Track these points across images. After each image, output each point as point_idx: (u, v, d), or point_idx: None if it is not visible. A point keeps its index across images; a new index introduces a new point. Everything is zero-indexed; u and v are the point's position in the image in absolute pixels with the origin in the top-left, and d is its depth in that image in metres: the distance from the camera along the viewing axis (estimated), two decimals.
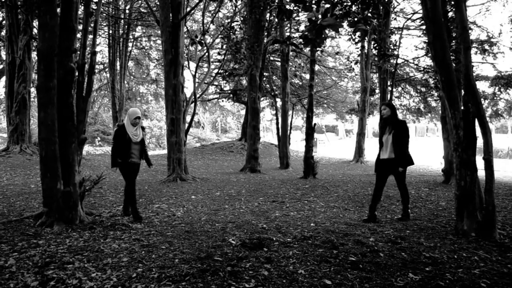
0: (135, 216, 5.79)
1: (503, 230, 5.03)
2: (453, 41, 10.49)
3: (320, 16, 3.73)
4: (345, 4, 6.76)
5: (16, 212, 6.25)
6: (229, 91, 29.47)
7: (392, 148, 5.60)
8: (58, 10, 5.47)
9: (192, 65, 20.52)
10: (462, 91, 4.93)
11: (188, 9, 12.70)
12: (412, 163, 5.62)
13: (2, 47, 20.97)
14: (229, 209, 6.85)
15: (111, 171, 5.84)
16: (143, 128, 5.97)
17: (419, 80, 23.09)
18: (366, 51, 20.11)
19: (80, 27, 6.37)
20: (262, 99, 26.96)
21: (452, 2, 9.35)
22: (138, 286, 3.14)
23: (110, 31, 26.23)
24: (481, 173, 4.60)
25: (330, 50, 27.17)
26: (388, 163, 5.68)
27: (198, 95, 14.10)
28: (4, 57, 19.28)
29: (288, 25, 17.23)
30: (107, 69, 28.73)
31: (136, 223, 5.54)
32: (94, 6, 10.34)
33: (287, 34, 17.40)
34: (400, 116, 27.81)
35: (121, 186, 9.62)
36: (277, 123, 18.96)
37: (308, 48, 15.91)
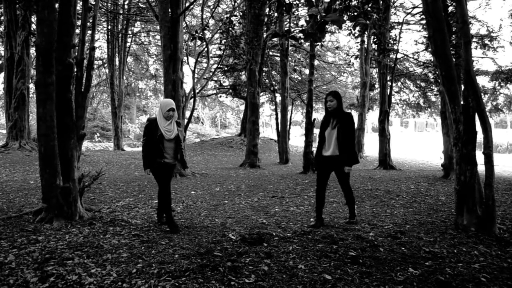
0: (170, 225, 4.88)
1: (502, 224, 5.03)
2: (453, 35, 10.47)
3: (321, 11, 3.70)
4: None
5: (15, 208, 6.24)
6: (229, 86, 29.43)
7: (336, 143, 4.96)
8: (57, 5, 5.44)
9: (191, 60, 20.49)
10: (462, 85, 4.91)
11: (187, 4, 12.63)
12: (357, 161, 4.99)
13: (0, 43, 20.89)
14: (228, 204, 6.85)
15: (146, 174, 4.95)
16: (178, 124, 5.13)
17: (419, 74, 23.07)
18: (365, 45, 20.06)
19: (79, 22, 6.33)
20: (261, 94, 26.92)
21: None
22: (138, 282, 3.14)
23: (109, 27, 26.15)
24: (480, 167, 4.59)
25: (329, 45, 27.12)
26: (332, 161, 5.03)
27: (197, 91, 14.07)
28: (2, 53, 19.23)
29: (288, 19, 17.18)
30: (106, 65, 28.66)
31: (173, 233, 4.71)
32: (92, 1, 10.29)
33: (287, 28, 17.34)
34: (400, 112, 27.81)
35: (121, 182, 9.61)
36: (276, 118, 18.95)
37: (307, 43, 15.86)
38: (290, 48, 19.78)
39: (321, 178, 5.15)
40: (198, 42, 15.56)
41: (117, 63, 26.67)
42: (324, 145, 5.10)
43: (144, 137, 4.94)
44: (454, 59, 5.82)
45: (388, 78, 15.60)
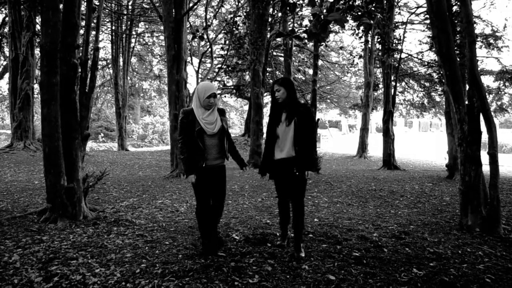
0: (212, 242, 3.94)
1: (507, 225, 5.01)
2: (458, 35, 10.42)
3: (324, 11, 3.70)
4: None
5: (20, 208, 6.27)
6: (232, 87, 29.45)
7: (292, 143, 3.87)
8: (61, 6, 5.46)
9: (195, 60, 20.50)
10: (467, 85, 4.89)
11: (191, 4, 12.64)
12: (316, 168, 3.95)
13: (5, 44, 21.02)
14: (232, 204, 6.85)
15: (189, 181, 3.86)
16: (221, 112, 3.93)
17: (423, 74, 22.97)
18: (369, 45, 20.02)
19: (83, 23, 6.36)
20: (265, 94, 26.92)
21: None
22: (141, 282, 3.15)
23: (113, 27, 26.23)
24: (485, 168, 4.57)
25: (333, 45, 27.09)
26: (286, 164, 3.92)
27: None
28: (7, 53, 19.34)
29: (292, 19, 17.18)
30: (110, 65, 28.76)
31: (220, 250, 3.94)
32: (96, 2, 10.32)
33: (290, 28, 17.33)
34: (404, 112, 27.65)
35: (125, 182, 9.63)
36: None
37: (311, 43, 15.86)
38: (294, 48, 19.78)
39: (282, 186, 4.11)
40: (202, 43, 15.57)
41: (121, 63, 26.78)
42: (277, 146, 3.98)
43: (179, 136, 3.82)
44: (458, 59, 5.79)
45: (392, 78, 15.55)
